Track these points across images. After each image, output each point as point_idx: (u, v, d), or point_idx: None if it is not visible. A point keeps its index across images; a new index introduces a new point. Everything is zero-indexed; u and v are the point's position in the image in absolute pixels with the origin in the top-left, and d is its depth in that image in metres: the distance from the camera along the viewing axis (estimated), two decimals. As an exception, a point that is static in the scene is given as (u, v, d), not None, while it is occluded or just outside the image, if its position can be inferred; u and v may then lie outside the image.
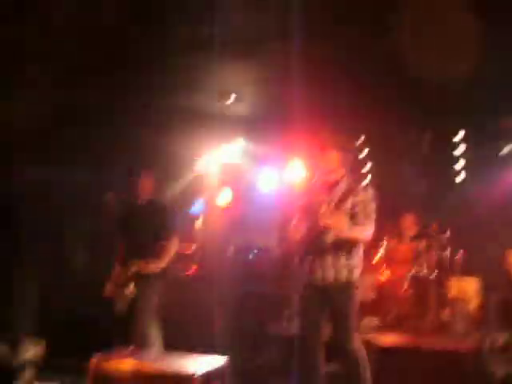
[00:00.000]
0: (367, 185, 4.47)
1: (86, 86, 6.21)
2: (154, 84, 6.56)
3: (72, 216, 7.16)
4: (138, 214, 5.58)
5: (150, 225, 5.47)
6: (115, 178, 6.97)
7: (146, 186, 5.59)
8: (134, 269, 5.20)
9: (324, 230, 4.27)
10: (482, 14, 4.85)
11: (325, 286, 4.35)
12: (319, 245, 4.31)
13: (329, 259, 4.31)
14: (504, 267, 6.14)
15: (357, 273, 4.42)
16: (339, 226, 4.21)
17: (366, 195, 4.34)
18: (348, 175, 4.53)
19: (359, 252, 4.44)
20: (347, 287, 4.38)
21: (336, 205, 4.30)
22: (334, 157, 4.42)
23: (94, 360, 3.92)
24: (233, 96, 7.28)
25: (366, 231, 4.37)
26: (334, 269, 4.32)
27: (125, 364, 3.88)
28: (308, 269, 4.39)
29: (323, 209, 4.22)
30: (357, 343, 4.40)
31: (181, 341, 5.18)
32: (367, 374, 4.42)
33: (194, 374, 3.69)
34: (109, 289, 5.36)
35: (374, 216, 4.38)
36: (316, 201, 4.35)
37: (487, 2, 4.98)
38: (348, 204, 4.31)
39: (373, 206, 4.37)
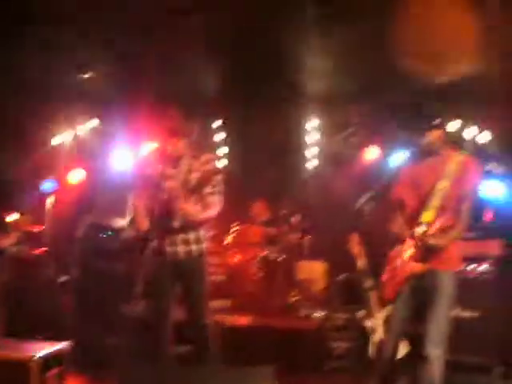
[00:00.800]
0: (211, 159, 4.43)
1: None
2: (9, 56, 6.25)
3: None
4: None
5: None
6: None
7: None
8: None
9: (174, 211, 4.28)
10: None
11: (175, 261, 4.39)
12: (168, 223, 4.32)
13: (178, 235, 4.35)
14: (347, 250, 6.47)
15: (205, 246, 4.49)
16: (191, 212, 4.27)
17: (212, 171, 4.31)
18: (189, 150, 4.51)
19: (206, 226, 4.53)
20: (198, 261, 4.45)
21: (182, 181, 4.32)
22: (174, 126, 4.42)
23: None
24: (89, 72, 7.09)
25: (214, 209, 4.42)
26: (183, 244, 4.38)
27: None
28: (157, 245, 4.36)
29: (170, 184, 4.27)
30: (208, 319, 4.46)
31: (22, 324, 4.99)
32: (216, 350, 4.49)
33: (30, 359, 3.56)
34: None
35: (222, 191, 4.42)
36: (159, 173, 4.39)
37: None
38: (193, 180, 4.30)
39: (220, 182, 4.41)
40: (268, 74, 6.81)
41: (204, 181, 4.21)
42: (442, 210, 3.95)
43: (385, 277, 4.30)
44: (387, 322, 5.54)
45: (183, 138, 4.41)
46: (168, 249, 4.37)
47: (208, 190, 4.29)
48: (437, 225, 3.92)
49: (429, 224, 3.95)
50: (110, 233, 6.77)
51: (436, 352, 3.86)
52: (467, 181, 3.99)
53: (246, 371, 4.33)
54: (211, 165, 4.38)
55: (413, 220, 4.06)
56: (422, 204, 4.02)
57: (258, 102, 7.57)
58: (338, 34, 6.08)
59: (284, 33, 6.10)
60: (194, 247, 4.41)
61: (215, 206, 4.41)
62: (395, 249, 4.23)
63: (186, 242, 4.39)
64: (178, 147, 4.40)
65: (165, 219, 4.31)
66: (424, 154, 4.16)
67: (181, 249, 4.37)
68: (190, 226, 4.36)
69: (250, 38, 6.07)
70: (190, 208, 4.26)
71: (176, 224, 4.32)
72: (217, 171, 4.34)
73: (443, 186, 3.95)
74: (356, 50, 6.07)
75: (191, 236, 4.40)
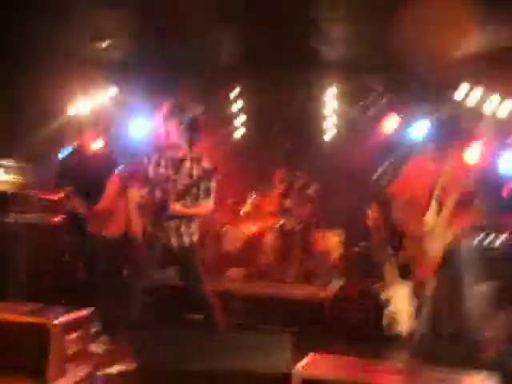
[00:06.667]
0: (209, 165, 4.70)
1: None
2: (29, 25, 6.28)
3: None
4: None
5: None
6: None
7: None
8: None
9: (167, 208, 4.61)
10: None
11: (170, 249, 4.70)
12: (163, 216, 4.65)
13: (172, 227, 4.67)
14: (365, 220, 6.47)
15: (196, 237, 4.78)
16: (181, 211, 4.62)
17: (208, 175, 4.64)
18: (190, 150, 4.77)
19: (197, 220, 4.80)
20: (190, 251, 4.75)
21: (183, 186, 4.64)
22: (175, 128, 4.67)
23: None
24: (107, 41, 7.08)
25: (206, 208, 4.75)
26: (176, 236, 4.68)
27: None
28: (151, 230, 4.70)
29: (168, 186, 4.63)
30: (207, 291, 4.74)
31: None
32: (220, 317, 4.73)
33: (51, 323, 3.64)
34: None
35: (213, 193, 4.72)
36: (162, 175, 4.71)
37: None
38: (193, 184, 4.65)
39: (213, 185, 4.70)
40: (286, 40, 6.73)
41: (199, 186, 4.62)
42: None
43: (409, 252, 4.38)
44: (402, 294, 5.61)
45: (186, 144, 4.71)
46: (163, 237, 4.66)
47: (201, 194, 4.65)
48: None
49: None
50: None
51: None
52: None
53: (262, 338, 4.40)
54: (209, 171, 4.65)
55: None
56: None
57: (275, 69, 7.51)
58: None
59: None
60: (186, 239, 4.70)
61: (204, 208, 4.73)
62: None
63: (179, 233, 4.69)
64: (180, 151, 4.71)
65: (160, 212, 4.63)
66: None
67: (173, 239, 4.69)
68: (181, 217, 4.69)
69: (269, 4, 5.98)
70: (181, 209, 4.61)
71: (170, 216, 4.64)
72: (211, 177, 4.66)
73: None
74: (380, 19, 5.97)
75: (183, 228, 4.69)
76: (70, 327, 3.85)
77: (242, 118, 8.80)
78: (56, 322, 3.69)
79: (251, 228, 7.40)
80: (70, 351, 3.86)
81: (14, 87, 7.18)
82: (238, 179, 7.79)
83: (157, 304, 5.81)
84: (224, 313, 4.75)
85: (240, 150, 8.50)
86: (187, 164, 4.71)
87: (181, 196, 4.59)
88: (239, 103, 8.62)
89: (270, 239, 7.35)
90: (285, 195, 7.72)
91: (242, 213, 7.69)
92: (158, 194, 4.66)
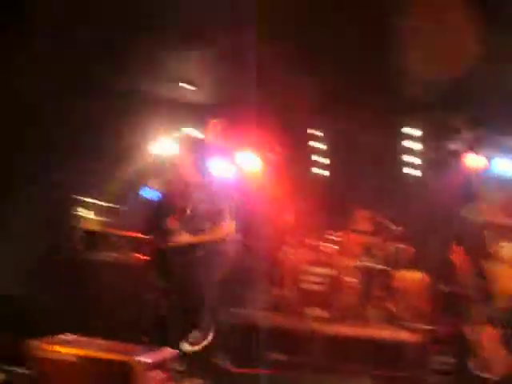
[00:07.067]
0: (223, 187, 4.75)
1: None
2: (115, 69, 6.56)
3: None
4: None
5: None
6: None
7: None
8: None
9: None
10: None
11: None
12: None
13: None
14: (449, 260, 6.27)
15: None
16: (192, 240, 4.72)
17: (219, 198, 4.78)
18: (204, 179, 4.87)
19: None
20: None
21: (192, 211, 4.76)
22: (188, 161, 4.84)
23: (33, 345, 3.86)
24: (186, 84, 7.28)
25: (219, 231, 4.76)
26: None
27: (67, 349, 3.84)
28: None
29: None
30: None
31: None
32: None
33: (135, 360, 3.68)
34: None
35: (227, 215, 4.76)
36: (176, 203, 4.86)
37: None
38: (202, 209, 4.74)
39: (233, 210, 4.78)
40: (369, 82, 6.71)
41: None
42: None
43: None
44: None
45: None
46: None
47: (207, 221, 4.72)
48: None
49: None
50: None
51: None
52: None
53: (345, 381, 4.30)
54: (223, 195, 4.84)
55: None
56: None
57: (358, 111, 7.49)
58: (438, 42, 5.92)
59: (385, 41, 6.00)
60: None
61: (221, 229, 4.74)
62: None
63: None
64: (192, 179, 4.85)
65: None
66: None
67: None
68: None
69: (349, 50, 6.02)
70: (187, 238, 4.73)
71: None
72: (226, 199, 4.78)
73: None
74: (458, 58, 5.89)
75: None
76: (153, 366, 3.86)
77: (325, 156, 8.79)
78: (139, 359, 3.72)
79: (333, 267, 7.27)
80: (153, 389, 3.87)
81: (99, 127, 7.41)
82: (319, 217, 7.74)
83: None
84: (307, 353, 4.66)
85: (320, 187, 8.47)
86: (196, 193, 4.77)
87: (184, 224, 4.66)
88: (322, 141, 8.63)
89: (351, 279, 7.22)
90: (367, 233, 7.60)
91: (324, 251, 7.60)
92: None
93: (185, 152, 4.90)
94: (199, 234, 4.70)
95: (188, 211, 4.74)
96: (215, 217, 4.70)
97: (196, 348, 4.32)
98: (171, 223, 4.87)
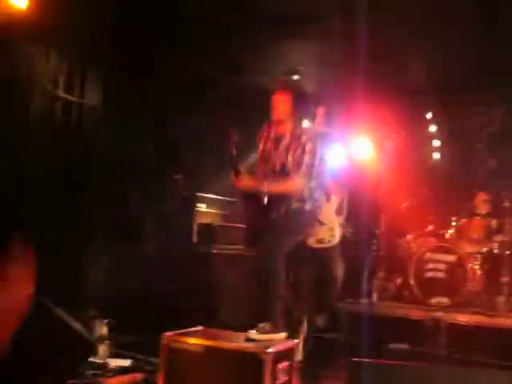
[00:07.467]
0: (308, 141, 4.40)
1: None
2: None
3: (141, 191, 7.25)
4: None
5: None
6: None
7: None
8: None
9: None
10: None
11: None
12: None
13: None
14: None
15: None
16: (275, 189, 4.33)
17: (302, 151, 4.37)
18: (295, 128, 4.50)
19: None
20: None
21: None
22: (283, 104, 4.44)
23: (167, 337, 4.00)
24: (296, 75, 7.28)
25: (293, 184, 4.40)
26: None
27: (197, 341, 3.94)
28: None
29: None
30: None
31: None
32: None
33: (265, 351, 3.72)
34: None
35: (305, 167, 4.38)
36: (264, 151, 4.56)
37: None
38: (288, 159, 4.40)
39: (306, 159, 4.38)
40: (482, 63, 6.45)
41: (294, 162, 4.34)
42: None
43: None
44: None
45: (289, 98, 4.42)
46: None
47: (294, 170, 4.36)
48: None
49: None
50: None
51: None
52: None
53: (477, 373, 4.13)
54: (306, 145, 4.38)
55: None
56: None
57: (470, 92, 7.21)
58: None
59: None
60: None
61: (295, 185, 4.38)
62: None
63: None
64: (283, 127, 4.47)
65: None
66: None
67: None
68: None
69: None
70: (271, 187, 4.31)
71: None
72: (307, 151, 4.36)
73: None
74: None
75: None
76: (280, 357, 3.90)
77: (438, 140, 8.53)
78: (269, 350, 3.76)
79: (455, 253, 7.03)
80: (280, 381, 3.90)
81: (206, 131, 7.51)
82: (440, 203, 7.52)
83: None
84: (431, 343, 4.54)
85: (438, 173, 8.23)
86: (286, 141, 4.45)
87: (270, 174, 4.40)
88: (435, 126, 8.37)
89: (475, 265, 6.96)
90: (489, 217, 7.29)
91: (445, 238, 7.36)
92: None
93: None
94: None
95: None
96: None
97: (262, 338, 4.18)
98: None
